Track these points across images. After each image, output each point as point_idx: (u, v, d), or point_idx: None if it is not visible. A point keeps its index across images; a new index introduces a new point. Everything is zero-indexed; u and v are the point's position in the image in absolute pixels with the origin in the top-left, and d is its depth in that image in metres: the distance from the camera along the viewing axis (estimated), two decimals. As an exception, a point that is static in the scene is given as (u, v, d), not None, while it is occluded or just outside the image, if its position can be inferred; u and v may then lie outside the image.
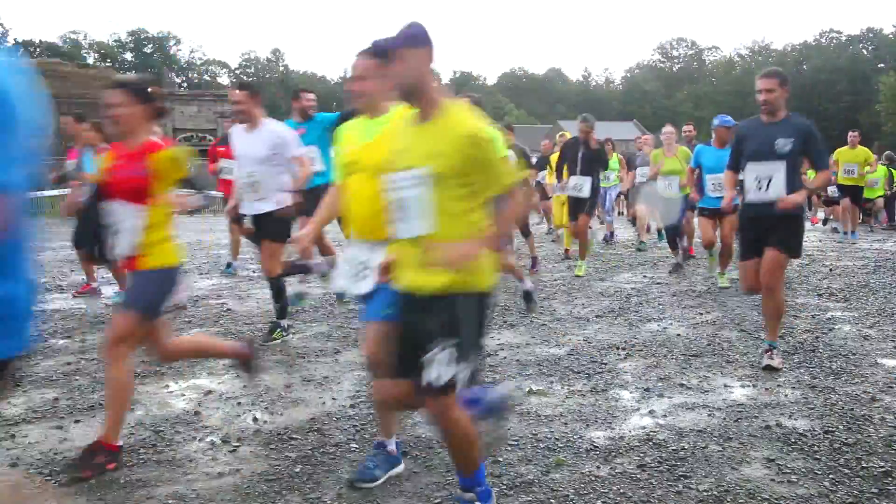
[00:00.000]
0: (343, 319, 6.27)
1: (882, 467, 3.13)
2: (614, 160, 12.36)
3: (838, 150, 12.51)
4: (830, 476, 3.06)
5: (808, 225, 17.39)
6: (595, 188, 8.63)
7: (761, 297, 4.74)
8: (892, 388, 4.24)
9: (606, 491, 2.95)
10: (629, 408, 3.94)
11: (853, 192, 12.54)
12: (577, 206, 8.68)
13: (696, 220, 8.67)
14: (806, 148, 4.55)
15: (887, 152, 15.91)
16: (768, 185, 4.56)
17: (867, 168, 12.62)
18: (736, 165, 4.85)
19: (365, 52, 3.03)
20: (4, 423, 3.75)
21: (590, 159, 8.56)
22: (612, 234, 12.50)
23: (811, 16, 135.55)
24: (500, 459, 3.26)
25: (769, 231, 4.55)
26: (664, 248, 11.34)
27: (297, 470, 3.18)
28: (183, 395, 4.26)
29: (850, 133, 12.61)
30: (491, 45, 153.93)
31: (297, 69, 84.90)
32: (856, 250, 11.05)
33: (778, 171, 4.52)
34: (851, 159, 12.27)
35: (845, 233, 12.67)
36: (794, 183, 4.54)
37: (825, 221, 15.43)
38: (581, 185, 8.54)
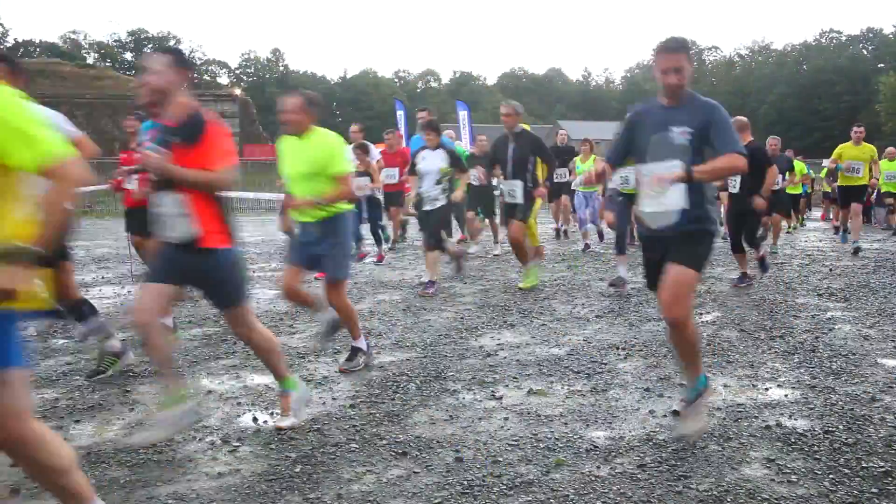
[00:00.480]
0: (343, 319, 6.27)
1: (882, 467, 3.13)
2: (590, 162, 11.15)
3: (841, 146, 10.99)
4: (830, 476, 3.06)
5: (814, 224, 17.41)
6: (529, 192, 7.36)
7: (668, 331, 3.60)
8: (892, 388, 4.24)
9: (606, 491, 2.95)
10: (629, 408, 3.94)
11: (857, 196, 10.98)
12: (512, 213, 7.48)
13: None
14: (708, 133, 3.41)
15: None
16: (665, 191, 3.44)
17: (872, 167, 11.01)
18: (617, 158, 3.79)
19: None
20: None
21: (520, 157, 7.30)
22: (588, 244, 11.25)
23: (811, 16, 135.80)
24: (500, 459, 3.26)
25: (671, 246, 3.49)
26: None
27: (297, 470, 3.18)
28: (183, 395, 4.25)
29: (854, 128, 10.98)
30: (491, 45, 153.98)
31: (297, 69, 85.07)
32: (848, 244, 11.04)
33: (674, 171, 3.39)
34: (857, 157, 10.71)
35: (845, 230, 11.42)
36: (700, 186, 3.45)
37: (839, 230, 13.05)
38: (514, 191, 7.37)
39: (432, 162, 7.53)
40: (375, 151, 10.03)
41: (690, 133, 3.41)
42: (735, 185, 7.74)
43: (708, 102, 3.52)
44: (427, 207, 7.60)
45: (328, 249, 4.54)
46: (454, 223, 10.53)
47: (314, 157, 4.44)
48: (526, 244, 7.66)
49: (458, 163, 7.64)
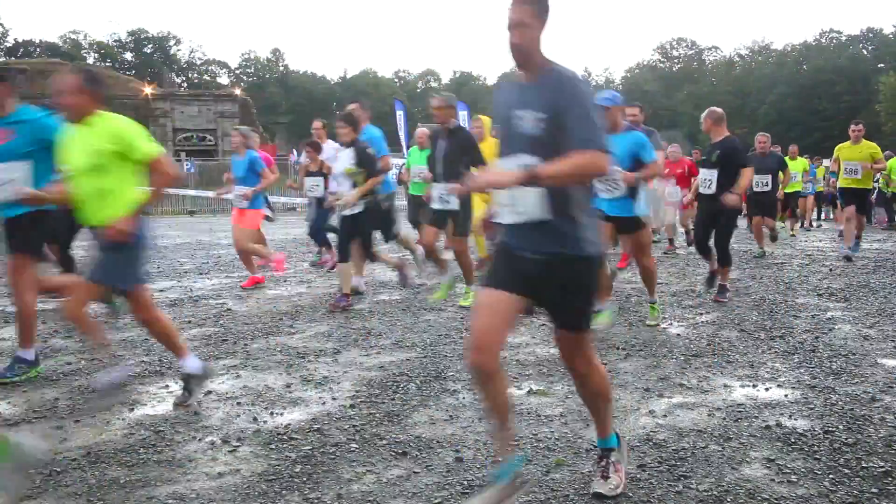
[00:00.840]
0: (343, 319, 6.27)
1: (882, 467, 3.13)
2: None
3: (839, 146, 10.16)
4: (830, 476, 3.06)
5: (825, 225, 17.28)
6: (467, 199, 6.48)
7: (574, 383, 3.00)
8: (892, 388, 4.24)
9: (606, 491, 2.94)
10: (629, 408, 3.94)
11: (859, 198, 10.07)
12: (441, 220, 6.63)
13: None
14: (561, 117, 2.56)
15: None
16: (519, 196, 2.62)
17: (874, 166, 10.00)
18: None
19: None
20: (4, 424, 3.76)
21: (451, 157, 6.34)
22: None
23: (811, 16, 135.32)
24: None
25: (539, 282, 2.68)
26: (662, 248, 11.35)
27: (297, 470, 3.18)
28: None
29: (851, 126, 9.95)
30: (491, 45, 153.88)
31: (297, 69, 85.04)
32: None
33: (511, 171, 2.58)
34: (854, 157, 9.77)
35: (849, 248, 10.23)
36: (566, 193, 2.61)
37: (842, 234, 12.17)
38: (446, 196, 6.41)
39: (342, 162, 6.70)
40: (332, 149, 9.07)
41: (543, 120, 2.58)
42: (710, 185, 6.86)
43: (565, 75, 2.63)
44: (346, 212, 6.70)
45: (110, 251, 3.75)
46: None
47: (99, 146, 3.69)
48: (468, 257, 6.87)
49: (366, 164, 6.60)
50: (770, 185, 10.42)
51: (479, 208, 8.04)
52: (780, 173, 10.81)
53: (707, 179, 6.92)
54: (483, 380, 2.69)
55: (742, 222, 14.83)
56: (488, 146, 8.20)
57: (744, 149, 7.09)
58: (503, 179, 2.56)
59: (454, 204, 6.45)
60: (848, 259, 9.78)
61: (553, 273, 2.65)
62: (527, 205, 2.62)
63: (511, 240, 2.74)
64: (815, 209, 17.82)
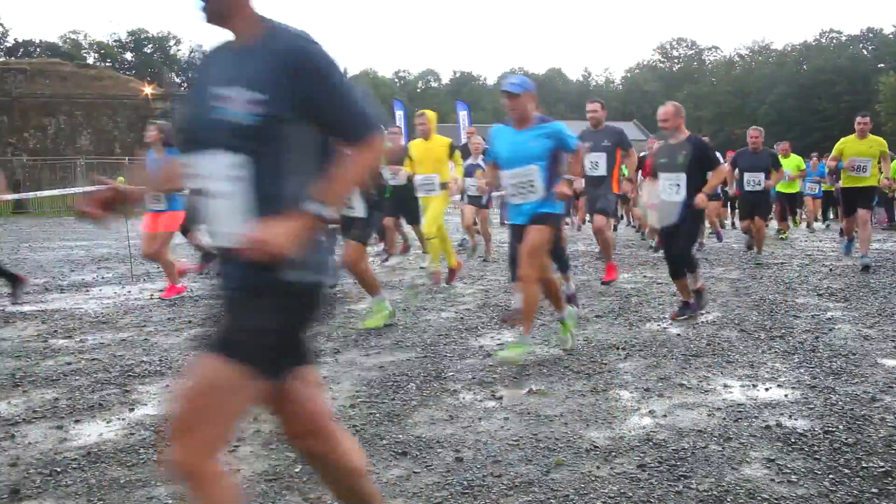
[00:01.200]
0: (343, 319, 6.27)
1: (882, 467, 3.13)
2: None
3: (843, 140, 9.12)
4: (830, 476, 3.06)
5: (819, 224, 17.32)
6: (376, 205, 5.82)
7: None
8: (892, 388, 4.24)
9: (606, 491, 2.95)
10: (629, 408, 3.94)
11: (865, 200, 9.02)
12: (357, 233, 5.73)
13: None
14: (301, 103, 1.82)
15: None
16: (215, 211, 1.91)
17: (880, 164, 9.02)
18: None
19: None
20: (4, 423, 3.76)
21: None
22: None
23: (811, 16, 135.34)
24: (500, 459, 3.26)
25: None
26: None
27: (297, 470, 3.18)
28: (183, 395, 4.25)
29: (857, 118, 9.02)
30: (491, 45, 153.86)
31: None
32: (856, 250, 11.04)
33: (225, 187, 1.85)
34: (863, 152, 8.78)
35: (850, 239, 9.73)
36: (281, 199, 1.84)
37: (842, 233, 11.43)
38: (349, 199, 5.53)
39: None
40: None
41: (262, 102, 1.79)
42: (679, 190, 6.06)
43: (296, 40, 1.86)
44: None
45: None
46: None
47: None
48: (369, 270, 6.01)
49: None
50: (762, 185, 9.80)
51: (432, 215, 7.87)
52: (773, 171, 9.94)
53: (674, 184, 6.07)
54: (189, 485, 1.81)
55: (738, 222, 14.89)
56: (433, 145, 8.03)
57: (713, 148, 6.42)
58: (287, 236, 1.75)
59: (360, 211, 5.71)
60: (867, 268, 8.82)
61: (241, 297, 1.87)
62: (220, 221, 1.89)
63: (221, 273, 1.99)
64: (821, 211, 17.55)
